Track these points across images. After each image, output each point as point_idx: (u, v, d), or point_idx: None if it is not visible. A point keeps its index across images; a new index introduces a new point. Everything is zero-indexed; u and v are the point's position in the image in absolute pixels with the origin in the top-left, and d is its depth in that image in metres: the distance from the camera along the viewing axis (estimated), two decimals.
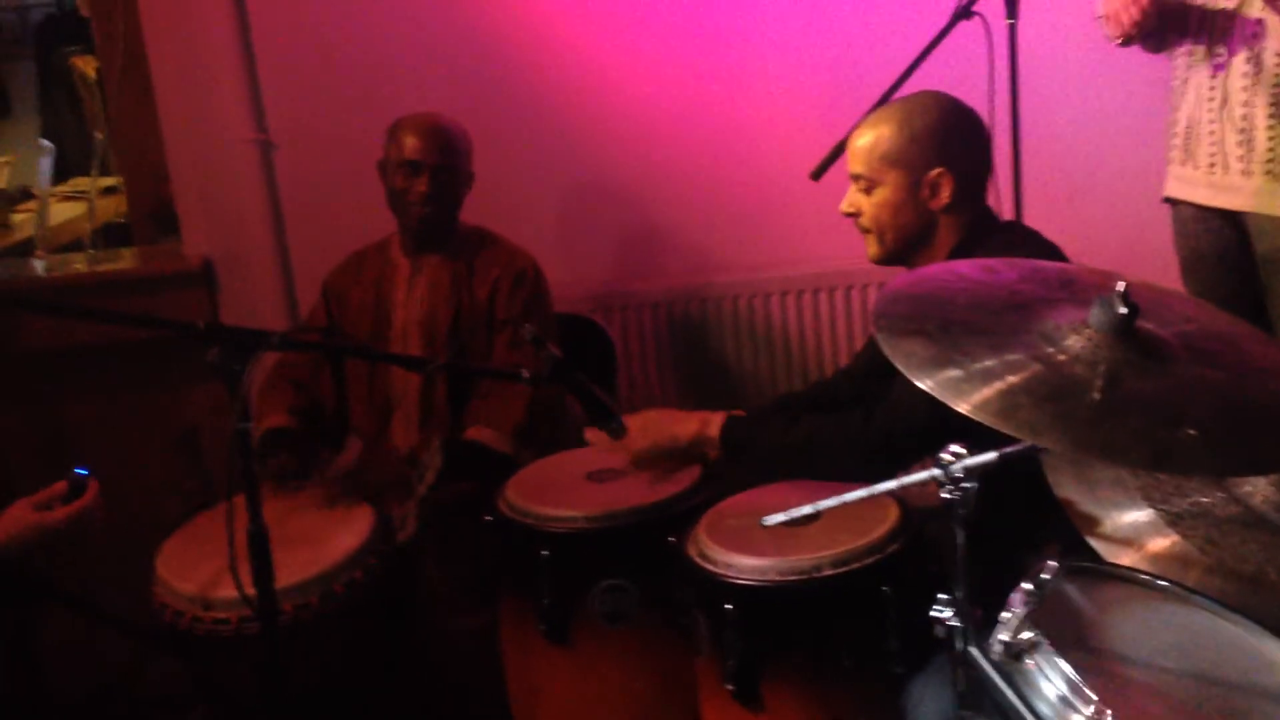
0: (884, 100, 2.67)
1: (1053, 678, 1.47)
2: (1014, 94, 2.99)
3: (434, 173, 3.01)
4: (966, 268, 1.88)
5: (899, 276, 1.85)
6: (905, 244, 2.37)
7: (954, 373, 1.54)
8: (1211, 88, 2.89)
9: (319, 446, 3.00)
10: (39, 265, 3.94)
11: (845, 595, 2.12)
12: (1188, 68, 2.95)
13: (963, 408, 1.49)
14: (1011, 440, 1.55)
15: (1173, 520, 1.77)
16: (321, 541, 2.52)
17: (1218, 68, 2.87)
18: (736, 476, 2.48)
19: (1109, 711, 1.41)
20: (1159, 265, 3.16)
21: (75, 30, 5.24)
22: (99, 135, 4.24)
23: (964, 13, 2.90)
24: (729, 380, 3.78)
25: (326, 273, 3.21)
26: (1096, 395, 1.50)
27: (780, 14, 3.64)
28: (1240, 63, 2.83)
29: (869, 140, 2.36)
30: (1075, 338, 1.58)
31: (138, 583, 2.51)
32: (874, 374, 2.46)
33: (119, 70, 3.83)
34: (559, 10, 3.65)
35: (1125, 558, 1.75)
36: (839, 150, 2.69)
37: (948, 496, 1.59)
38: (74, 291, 3.75)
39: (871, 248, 2.42)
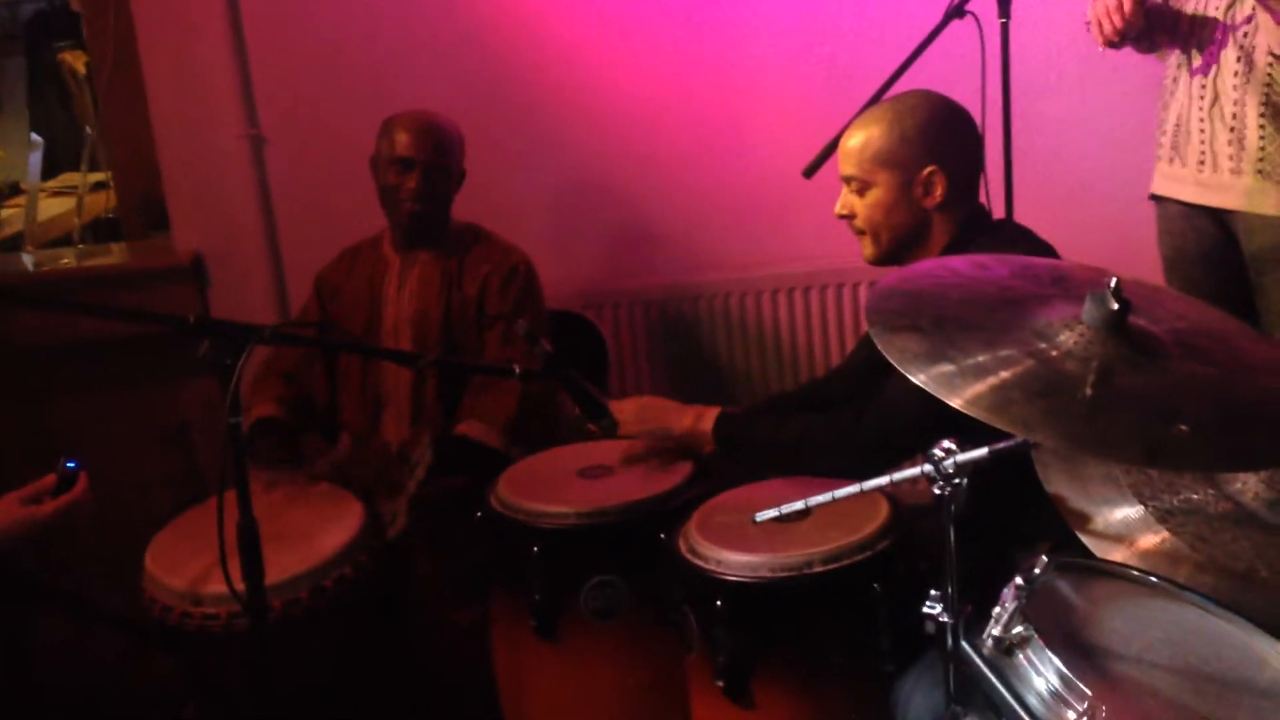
0: (876, 98, 2.67)
1: (1044, 672, 1.48)
2: (1006, 93, 2.99)
3: (425, 169, 3.01)
4: (959, 263, 1.88)
5: (892, 273, 1.85)
6: (900, 244, 2.38)
7: (947, 368, 1.54)
8: (1203, 86, 2.90)
9: (309, 434, 2.99)
10: (28, 260, 3.92)
11: (836, 592, 2.13)
12: (1179, 66, 2.96)
13: (956, 403, 1.49)
14: (1002, 436, 1.55)
15: (1164, 517, 1.78)
16: (312, 537, 2.51)
17: (1208, 66, 2.88)
18: (728, 473, 2.48)
19: (1102, 706, 1.41)
20: (1151, 263, 3.17)
21: (65, 25, 5.21)
22: (89, 130, 4.23)
23: (957, 11, 2.90)
24: (720, 378, 3.78)
25: (319, 268, 3.21)
26: (1089, 391, 1.50)
27: (773, 11, 3.64)
28: (1231, 61, 2.84)
29: (859, 141, 2.36)
30: (1068, 334, 1.58)
31: (128, 578, 2.51)
32: (867, 373, 2.47)
33: (109, 65, 3.81)
34: (551, 8, 3.65)
35: (1116, 554, 1.76)
36: (832, 148, 2.69)
37: (939, 493, 1.59)
38: (63, 287, 3.74)
39: (867, 249, 2.42)
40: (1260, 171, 2.84)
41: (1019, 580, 1.55)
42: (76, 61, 4.95)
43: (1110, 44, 2.92)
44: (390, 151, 3.02)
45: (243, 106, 3.65)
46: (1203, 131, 2.91)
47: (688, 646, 2.25)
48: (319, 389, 3.11)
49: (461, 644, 2.66)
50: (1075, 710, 1.43)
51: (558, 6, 3.65)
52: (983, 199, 2.48)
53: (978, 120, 2.47)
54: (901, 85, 2.69)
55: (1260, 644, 1.60)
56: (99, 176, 4.36)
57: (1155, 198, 3.11)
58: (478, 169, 3.16)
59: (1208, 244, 3.01)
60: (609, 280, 3.79)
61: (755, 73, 3.67)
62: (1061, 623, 1.61)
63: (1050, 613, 1.61)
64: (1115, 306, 1.56)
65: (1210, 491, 1.80)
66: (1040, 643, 1.50)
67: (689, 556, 2.21)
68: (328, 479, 2.80)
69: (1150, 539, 1.76)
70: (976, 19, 2.90)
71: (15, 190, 4.82)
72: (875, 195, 2.35)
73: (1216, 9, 2.86)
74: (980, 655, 1.54)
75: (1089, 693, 1.43)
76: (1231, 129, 2.86)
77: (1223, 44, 2.84)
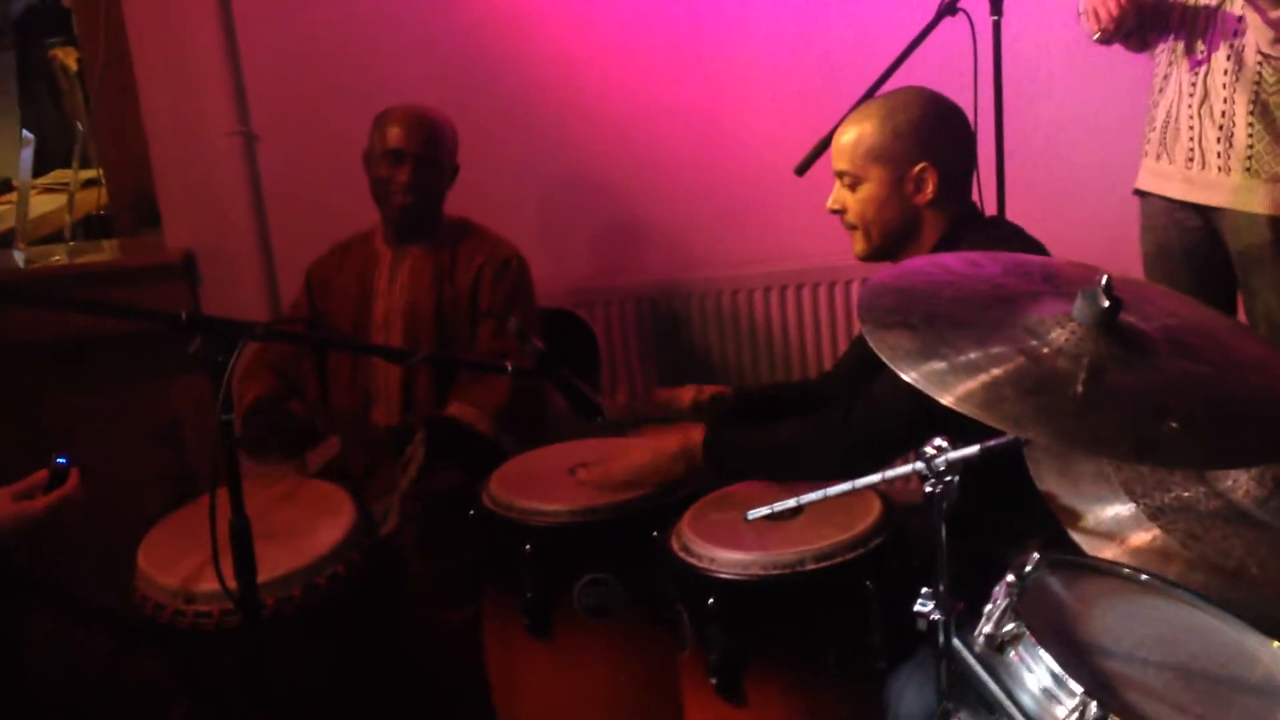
0: (868, 97, 2.67)
1: (1036, 670, 1.48)
2: (998, 90, 2.99)
3: (416, 163, 3.01)
4: (952, 260, 1.88)
5: (884, 270, 1.85)
6: (891, 240, 2.37)
7: (938, 365, 1.54)
8: (1192, 83, 2.90)
9: (299, 429, 2.98)
10: (19, 257, 3.91)
11: (828, 590, 2.13)
12: (1169, 63, 2.96)
13: (947, 400, 1.49)
14: (994, 433, 1.55)
15: (1155, 514, 1.78)
16: (304, 535, 2.51)
17: (1199, 64, 2.88)
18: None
19: (1093, 703, 1.41)
20: (1141, 261, 3.18)
21: (56, 22, 5.20)
22: (80, 127, 4.22)
23: (949, 9, 2.91)
24: (712, 375, 3.77)
25: (310, 263, 3.21)
26: (1080, 388, 1.50)
27: (765, 8, 3.64)
28: (1221, 59, 2.84)
29: (852, 137, 2.36)
30: (1059, 331, 1.58)
31: (120, 576, 2.50)
32: (859, 373, 2.46)
33: (101, 62, 3.81)
34: (543, 5, 3.64)
35: (1107, 551, 1.76)
36: (824, 145, 2.69)
37: (930, 490, 1.60)
38: (54, 284, 3.74)
39: (858, 244, 2.41)
40: (1248, 169, 2.85)
41: (1010, 577, 1.55)
42: (68, 58, 4.94)
43: (1102, 38, 2.93)
44: (382, 144, 3.02)
45: (234, 104, 3.65)
46: (1192, 129, 2.92)
47: (680, 644, 2.25)
48: (308, 383, 3.11)
49: (454, 642, 2.66)
50: (1066, 707, 1.44)
51: (550, 4, 3.64)
52: (974, 196, 2.48)
53: (970, 118, 2.47)
54: (893, 83, 2.69)
55: (1251, 641, 1.61)
56: (90, 173, 4.36)
57: (1139, 193, 3.11)
58: (470, 165, 3.16)
59: (1191, 241, 3.02)
60: (600, 277, 3.79)
61: (747, 70, 3.67)
62: (1053, 620, 1.61)
63: (1042, 610, 1.61)
64: (1106, 304, 1.57)
65: (1201, 489, 1.80)
66: (1032, 640, 1.50)
67: (681, 554, 2.21)
68: (319, 476, 2.80)
69: (1141, 536, 1.77)
70: (969, 17, 2.90)
71: (6, 187, 4.81)
72: (867, 190, 2.35)
73: (1208, 5, 2.86)
74: (972, 652, 1.55)
75: (1080, 690, 1.43)
76: (1220, 127, 2.86)
77: (1214, 40, 2.85)
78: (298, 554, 2.44)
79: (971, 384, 1.51)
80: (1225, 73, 2.84)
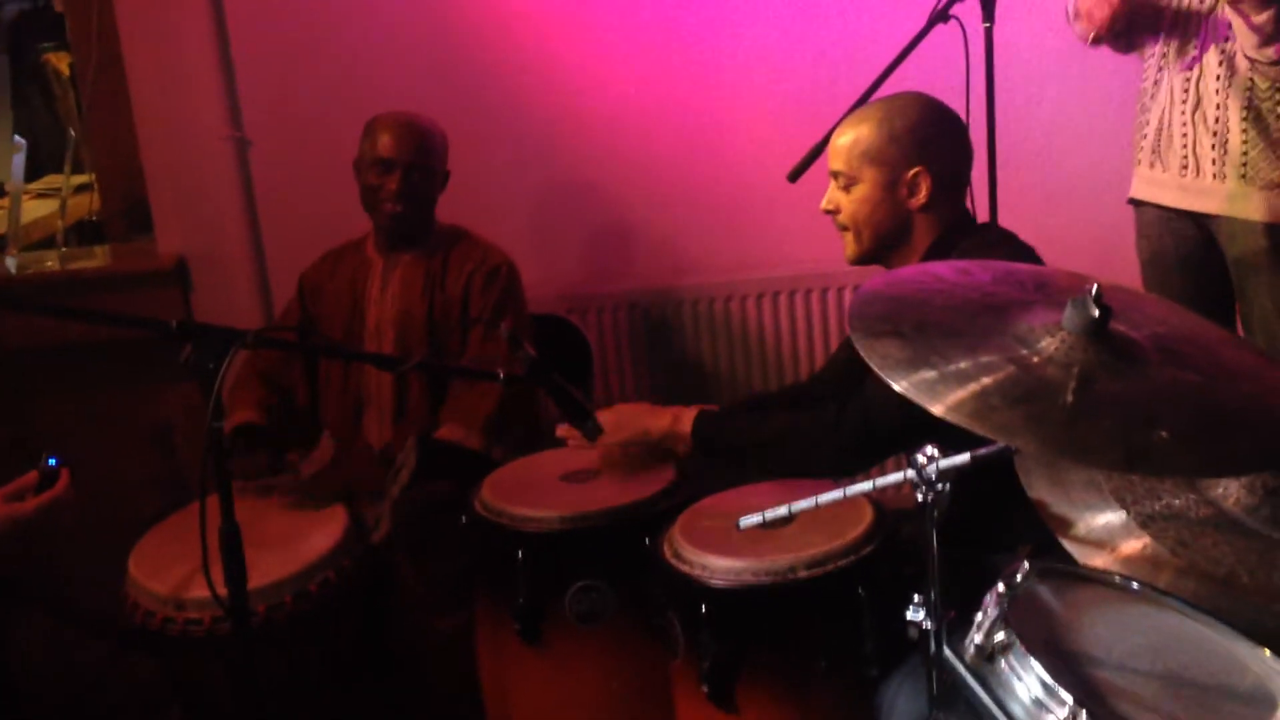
0: (861, 103, 2.68)
1: (1026, 679, 1.48)
2: (990, 97, 2.99)
3: (406, 171, 3.00)
4: (943, 269, 1.88)
5: (875, 277, 1.85)
6: (882, 242, 2.38)
7: (928, 374, 1.54)
8: (1185, 89, 2.90)
9: (287, 443, 2.98)
10: (10, 263, 3.90)
11: (820, 597, 2.13)
12: (1159, 69, 2.96)
13: (937, 410, 1.49)
14: (985, 441, 1.55)
15: (1145, 522, 1.78)
16: (295, 542, 2.51)
17: (1190, 69, 2.89)
18: (712, 477, 2.48)
19: (1083, 712, 1.41)
20: (1133, 268, 3.18)
21: (49, 26, 5.20)
22: (72, 132, 4.21)
23: (941, 16, 2.91)
24: (704, 381, 3.78)
25: (302, 269, 3.20)
26: (1070, 397, 1.50)
27: (757, 15, 3.64)
28: (1213, 65, 2.84)
29: (849, 138, 2.37)
30: (1049, 340, 1.58)
31: (110, 580, 2.50)
32: (849, 375, 2.46)
33: (93, 67, 3.81)
34: (534, 11, 3.65)
35: (1098, 560, 1.76)
36: (817, 152, 2.70)
37: (921, 498, 1.59)
38: (46, 289, 3.73)
39: (849, 246, 2.42)
40: (1243, 176, 2.85)
41: (1001, 586, 1.55)
42: (60, 63, 4.94)
43: (1095, 39, 2.93)
44: (372, 152, 3.02)
45: (227, 109, 3.65)
46: (1185, 135, 2.92)
47: (672, 651, 2.25)
48: (299, 391, 3.11)
49: (446, 649, 2.65)
50: (1057, 716, 1.44)
51: (541, 10, 3.64)
52: (967, 203, 2.48)
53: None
54: (885, 91, 2.70)
55: (1242, 649, 1.61)
56: (82, 179, 4.35)
57: (1134, 202, 3.12)
58: (461, 172, 3.16)
59: (1186, 248, 3.02)
60: (593, 283, 3.79)
61: (740, 76, 3.68)
62: (1043, 629, 1.61)
63: (1032, 619, 1.61)
64: (1096, 313, 1.57)
65: (1192, 497, 1.80)
66: (1022, 649, 1.50)
67: (673, 561, 2.21)
68: (310, 483, 2.79)
69: (1132, 544, 1.77)
70: (960, 24, 2.91)
71: None
72: (860, 191, 2.36)
73: (1199, 10, 2.87)
74: (963, 662, 1.55)
75: (1070, 699, 1.43)
76: (1214, 133, 2.87)
77: (1205, 44, 2.85)
78: (289, 561, 2.44)
79: (961, 393, 1.51)
80: (1218, 78, 2.84)
